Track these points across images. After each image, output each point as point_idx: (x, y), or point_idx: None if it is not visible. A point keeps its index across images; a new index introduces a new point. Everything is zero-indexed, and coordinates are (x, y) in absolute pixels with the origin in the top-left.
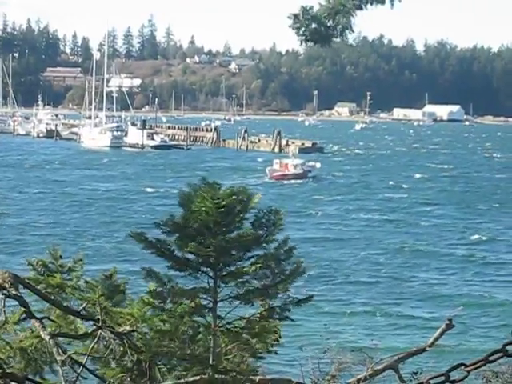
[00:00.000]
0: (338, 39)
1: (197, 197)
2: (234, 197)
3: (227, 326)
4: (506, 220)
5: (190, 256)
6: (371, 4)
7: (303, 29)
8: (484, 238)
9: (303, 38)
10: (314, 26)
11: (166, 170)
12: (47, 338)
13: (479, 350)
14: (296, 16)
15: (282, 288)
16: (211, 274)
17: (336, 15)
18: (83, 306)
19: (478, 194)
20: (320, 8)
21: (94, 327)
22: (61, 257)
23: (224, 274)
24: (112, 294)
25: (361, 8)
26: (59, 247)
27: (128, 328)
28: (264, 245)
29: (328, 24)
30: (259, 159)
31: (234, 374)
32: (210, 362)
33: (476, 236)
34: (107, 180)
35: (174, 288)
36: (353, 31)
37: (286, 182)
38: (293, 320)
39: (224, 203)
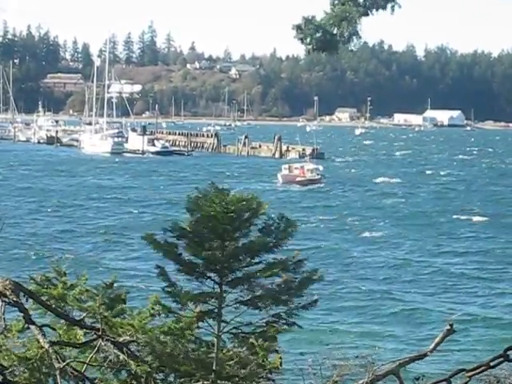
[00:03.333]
0: (346, 46)
1: (206, 202)
2: (243, 203)
3: (232, 331)
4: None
5: (198, 260)
6: (376, 10)
7: (308, 39)
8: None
9: (310, 47)
10: (319, 34)
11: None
12: (47, 345)
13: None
14: (299, 27)
15: (290, 295)
16: (217, 279)
17: (341, 22)
18: (84, 315)
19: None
20: (324, 16)
21: (95, 336)
22: (65, 273)
23: (230, 279)
24: (113, 303)
25: (367, 14)
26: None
27: (128, 338)
28: (274, 250)
29: (333, 32)
30: (261, 164)
31: (237, 379)
32: (214, 367)
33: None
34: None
35: (182, 291)
36: (360, 37)
37: (303, 187)
38: (300, 326)
39: (233, 208)
